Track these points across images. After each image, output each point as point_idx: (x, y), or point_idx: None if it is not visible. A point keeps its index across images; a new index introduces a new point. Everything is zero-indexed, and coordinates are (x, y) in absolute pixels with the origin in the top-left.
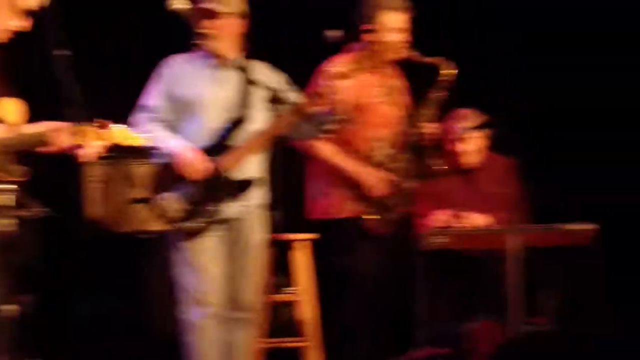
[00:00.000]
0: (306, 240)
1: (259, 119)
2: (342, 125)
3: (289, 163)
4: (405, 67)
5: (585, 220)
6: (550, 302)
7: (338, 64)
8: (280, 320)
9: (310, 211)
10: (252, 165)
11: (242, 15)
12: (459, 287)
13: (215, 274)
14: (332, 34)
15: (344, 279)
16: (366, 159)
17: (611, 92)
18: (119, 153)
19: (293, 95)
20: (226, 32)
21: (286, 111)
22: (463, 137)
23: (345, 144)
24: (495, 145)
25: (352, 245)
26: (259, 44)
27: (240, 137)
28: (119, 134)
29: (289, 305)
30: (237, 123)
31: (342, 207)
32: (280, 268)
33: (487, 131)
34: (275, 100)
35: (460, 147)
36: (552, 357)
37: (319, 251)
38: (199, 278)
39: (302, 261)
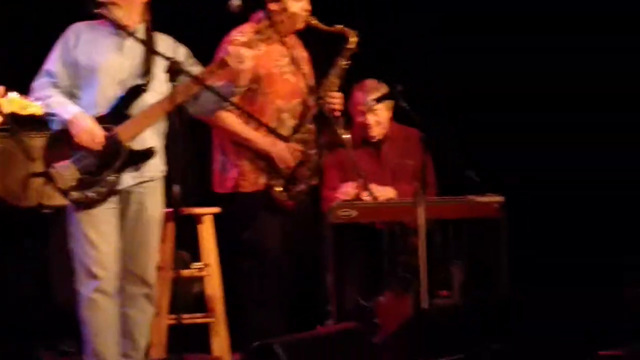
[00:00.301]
0: (211, 214)
1: (159, 90)
2: (245, 96)
3: (192, 134)
4: (309, 36)
5: (491, 193)
6: (455, 275)
7: (242, 34)
8: (186, 296)
9: (216, 184)
10: (150, 136)
11: None
12: (366, 261)
13: (108, 248)
14: (235, 3)
15: (251, 253)
16: (272, 130)
17: (521, 73)
18: (15, 124)
19: (195, 68)
20: (127, 1)
21: (186, 81)
22: (368, 108)
23: (251, 115)
24: (402, 116)
25: (260, 218)
26: (163, 14)
27: (139, 106)
28: (15, 102)
29: (194, 280)
30: (135, 92)
31: (250, 180)
32: (183, 243)
33: (391, 102)
34: (177, 71)
35: (365, 118)
36: (458, 331)
37: (223, 225)
38: (91, 251)
39: (207, 236)
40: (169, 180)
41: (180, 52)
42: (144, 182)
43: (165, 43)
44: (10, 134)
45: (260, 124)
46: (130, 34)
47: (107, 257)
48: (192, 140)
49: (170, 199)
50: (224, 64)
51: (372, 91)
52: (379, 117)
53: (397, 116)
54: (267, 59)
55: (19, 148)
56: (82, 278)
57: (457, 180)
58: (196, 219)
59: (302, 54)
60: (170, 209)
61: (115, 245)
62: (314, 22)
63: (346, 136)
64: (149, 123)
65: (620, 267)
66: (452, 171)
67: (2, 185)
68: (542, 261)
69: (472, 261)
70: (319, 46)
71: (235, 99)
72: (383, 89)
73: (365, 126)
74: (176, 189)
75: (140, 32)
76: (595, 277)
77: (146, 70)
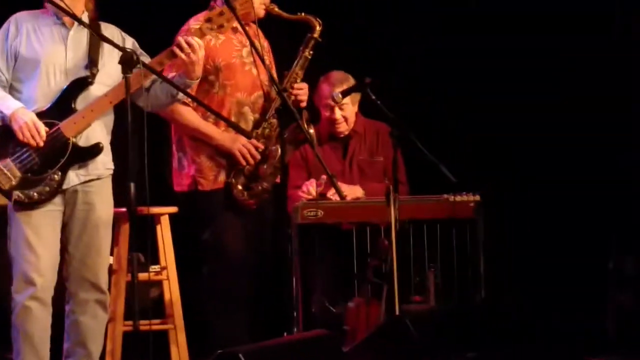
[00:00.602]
0: (168, 214)
1: (106, 82)
2: (202, 88)
3: (149, 129)
4: (269, 25)
5: (466, 191)
6: (429, 279)
7: (198, 22)
8: (142, 301)
9: (174, 182)
10: (96, 131)
11: None
12: (334, 264)
13: (47, 253)
14: None
15: (211, 255)
16: (233, 124)
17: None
18: None
19: (143, 59)
20: None
21: (134, 73)
22: (335, 102)
23: (209, 109)
24: (371, 110)
25: (220, 218)
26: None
27: (84, 100)
28: None
29: (151, 284)
30: (80, 85)
31: (209, 177)
32: (139, 245)
33: (359, 95)
34: (131, 62)
35: (331, 112)
36: (432, 336)
37: (182, 226)
38: (30, 256)
39: (164, 237)
40: (123, 178)
41: (128, 43)
42: (91, 180)
43: (111, 33)
44: None
45: (219, 119)
46: (76, 24)
47: (46, 263)
48: (148, 136)
49: (124, 198)
50: (172, 55)
51: (339, 83)
52: (345, 112)
53: (366, 110)
54: (225, 49)
55: None
56: (18, 284)
57: (430, 178)
58: (153, 219)
59: (263, 44)
60: (125, 209)
61: (55, 251)
62: (276, 10)
63: (311, 131)
64: (95, 117)
65: (604, 270)
66: (424, 168)
67: None
68: (520, 264)
69: (447, 264)
70: (282, 36)
71: (191, 92)
72: (350, 81)
73: (331, 121)
74: (131, 187)
75: (85, 22)
76: (577, 280)
77: (92, 62)
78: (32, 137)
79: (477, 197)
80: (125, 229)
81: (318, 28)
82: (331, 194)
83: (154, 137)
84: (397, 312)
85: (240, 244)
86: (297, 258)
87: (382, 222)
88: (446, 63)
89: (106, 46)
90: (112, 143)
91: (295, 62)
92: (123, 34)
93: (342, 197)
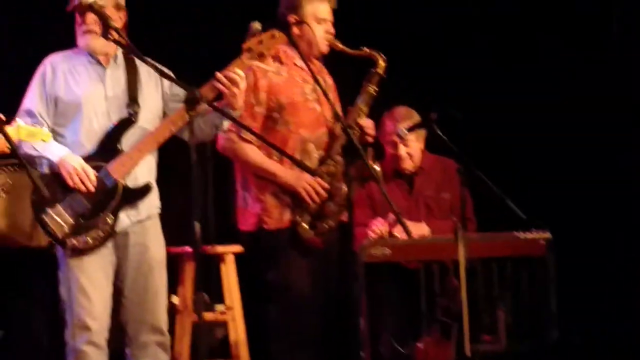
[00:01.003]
0: (234, 253)
1: (148, 120)
2: (266, 126)
3: (214, 168)
4: (333, 61)
5: (537, 228)
6: (500, 318)
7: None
8: (208, 341)
9: (239, 221)
10: (143, 171)
11: (117, 7)
12: (402, 303)
13: (100, 297)
14: (256, 26)
15: (277, 295)
16: (297, 162)
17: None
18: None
19: (184, 92)
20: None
21: (179, 108)
22: (400, 138)
23: (274, 147)
24: (436, 146)
25: (285, 257)
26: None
27: (129, 139)
28: (23, 130)
29: (216, 324)
30: (124, 125)
31: (274, 216)
32: (204, 284)
33: (425, 131)
34: (195, 100)
35: (396, 149)
36: None
37: (247, 265)
38: (84, 301)
39: (229, 276)
40: (188, 216)
41: (166, 83)
42: (141, 221)
43: (147, 68)
44: (17, 167)
45: (283, 156)
46: (111, 62)
47: (100, 307)
48: (212, 174)
49: (189, 237)
50: (214, 89)
51: (403, 120)
52: (411, 148)
53: (432, 146)
54: (289, 86)
55: (25, 183)
56: (74, 329)
57: (499, 215)
58: (218, 258)
59: (328, 79)
60: (190, 248)
61: (107, 294)
62: (339, 45)
63: (377, 168)
64: (143, 157)
65: None
66: (493, 205)
67: (12, 224)
68: (592, 303)
69: (518, 303)
70: (346, 71)
71: (256, 129)
72: (415, 117)
73: (396, 158)
74: (196, 226)
75: (120, 58)
76: None
77: (133, 100)
78: (82, 182)
79: (548, 234)
80: (191, 268)
81: (382, 63)
82: (397, 231)
83: (219, 175)
84: (468, 353)
85: (306, 284)
86: (364, 297)
87: (451, 261)
88: (516, 101)
89: (144, 81)
90: (178, 181)
91: (359, 97)
92: (160, 66)
93: (409, 234)
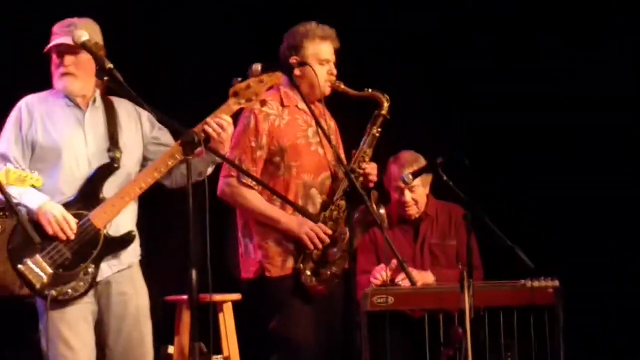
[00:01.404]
0: (232, 301)
1: (129, 164)
2: (267, 170)
3: (211, 214)
4: (334, 103)
5: (544, 276)
6: None
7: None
8: None
9: (242, 269)
10: (125, 219)
11: (97, 47)
12: (406, 353)
13: (84, 349)
14: (257, 67)
15: (279, 345)
16: (300, 208)
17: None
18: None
19: (162, 133)
20: (85, 72)
21: (163, 154)
22: (405, 184)
23: (275, 192)
24: (442, 191)
25: (288, 306)
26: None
27: (111, 185)
28: (12, 174)
29: None
30: (106, 171)
31: (276, 263)
32: (201, 334)
33: (430, 177)
34: (185, 144)
35: (402, 195)
36: None
37: (247, 314)
38: (67, 352)
39: (228, 325)
40: (185, 264)
41: (144, 117)
42: (122, 270)
43: (126, 108)
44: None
45: (286, 202)
46: (90, 105)
47: (85, 358)
48: (210, 221)
49: (186, 285)
50: (204, 133)
51: (409, 165)
52: (416, 194)
53: (439, 191)
54: (291, 130)
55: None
56: None
57: (506, 263)
58: (215, 307)
59: (330, 123)
60: (186, 296)
61: (91, 344)
62: (342, 87)
63: (382, 211)
64: (126, 205)
65: None
66: (500, 252)
67: (2, 271)
68: (603, 352)
69: (526, 353)
70: (349, 113)
71: (256, 175)
72: (421, 162)
73: (401, 203)
74: (193, 274)
75: (99, 101)
76: None
77: (113, 144)
78: (63, 230)
79: (557, 283)
80: (187, 317)
81: (386, 105)
82: (401, 279)
83: (217, 222)
84: None
85: (309, 333)
86: (367, 346)
87: (456, 310)
88: (516, 101)
89: (124, 124)
90: (176, 228)
91: (363, 140)
92: (137, 108)
93: (413, 283)
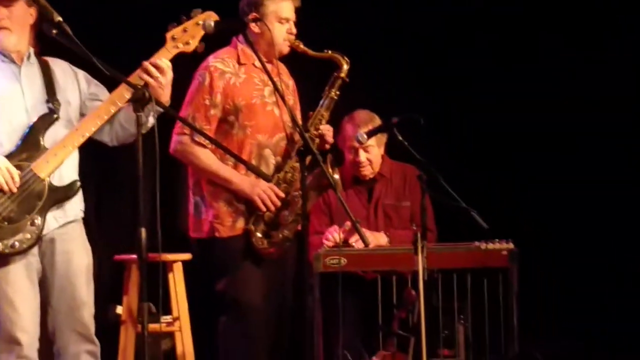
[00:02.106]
0: (182, 261)
1: (68, 116)
2: (220, 129)
3: (163, 172)
4: (294, 63)
5: (498, 238)
6: (459, 332)
7: (220, 60)
8: (153, 353)
9: (191, 228)
10: (68, 169)
11: (28, 3)
12: (358, 315)
13: (29, 309)
14: (209, 23)
15: (228, 306)
16: (253, 168)
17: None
18: None
19: (99, 89)
20: (20, 26)
21: (105, 102)
22: (359, 143)
23: (228, 151)
24: (399, 152)
25: (238, 267)
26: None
27: (52, 136)
28: None
29: (162, 336)
30: (46, 121)
31: (227, 223)
32: (150, 293)
33: (385, 136)
34: (136, 100)
35: (356, 155)
36: None
37: (197, 274)
38: (11, 313)
39: (177, 286)
40: (135, 222)
41: (80, 76)
42: (67, 223)
43: (62, 67)
44: None
45: (238, 162)
46: (26, 60)
47: (28, 319)
48: (160, 179)
49: (135, 244)
50: (140, 80)
51: (364, 124)
52: (370, 154)
53: (393, 151)
54: (246, 88)
55: None
56: (3, 344)
57: (460, 224)
58: (165, 267)
59: (287, 82)
60: (135, 255)
61: (35, 305)
62: (301, 47)
63: (336, 176)
64: (68, 154)
65: None
66: (454, 213)
67: None
68: (557, 315)
69: (478, 316)
70: (307, 74)
71: (210, 133)
72: (376, 121)
73: (355, 164)
74: (142, 232)
75: (33, 58)
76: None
77: (51, 96)
78: (5, 182)
79: (511, 245)
80: (135, 277)
81: (345, 67)
82: (354, 240)
83: (167, 180)
84: None
85: (258, 296)
86: (318, 309)
87: (409, 271)
88: (516, 101)
89: (60, 78)
90: (121, 186)
91: (321, 102)
92: (73, 67)
93: (366, 244)
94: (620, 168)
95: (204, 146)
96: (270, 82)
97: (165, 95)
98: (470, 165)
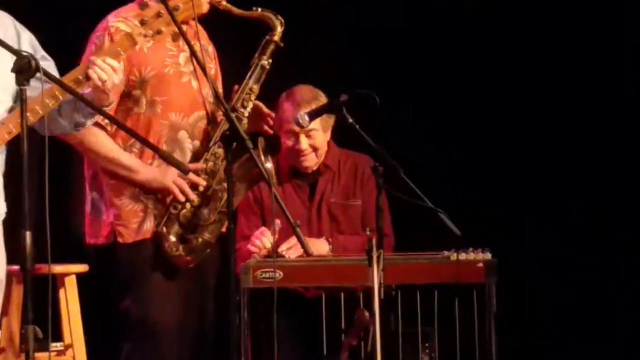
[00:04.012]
0: (76, 273)
1: (3, 98)
2: (123, 106)
3: (48, 165)
4: (214, 24)
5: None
6: (420, 356)
7: (122, 20)
8: None
9: (88, 233)
10: None
11: None
12: (297, 340)
13: None
14: None
15: (133, 329)
16: (164, 155)
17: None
18: None
19: (47, 63)
20: None
21: (39, 92)
22: (300, 127)
23: (133, 134)
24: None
25: (146, 281)
26: None
27: None
28: None
29: None
30: None
31: (131, 226)
32: (36, 314)
33: (332, 119)
34: (30, 71)
35: (295, 141)
36: None
37: (95, 290)
38: None
39: (70, 304)
40: (16, 226)
41: (24, 39)
42: None
43: (2, 23)
44: None
45: (147, 146)
46: None
47: None
48: (50, 172)
49: (17, 252)
50: (86, 78)
51: (305, 103)
52: (314, 140)
53: (342, 138)
54: (156, 55)
55: None
56: None
57: (425, 229)
58: (55, 281)
59: (207, 47)
60: (17, 266)
61: None
62: (223, 3)
63: (269, 165)
64: None
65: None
66: (417, 216)
67: None
68: (542, 341)
69: (447, 341)
70: (231, 38)
71: (111, 111)
72: (321, 100)
73: (295, 152)
74: (27, 237)
75: None
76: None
77: None
78: None
79: (488, 255)
80: (18, 293)
81: (279, 29)
82: (285, 248)
83: (60, 174)
84: None
85: (171, 316)
86: (247, 332)
87: (361, 288)
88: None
89: None
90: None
91: (249, 73)
92: (18, 25)
93: (308, 253)
94: (611, 175)
95: (103, 128)
96: (186, 48)
97: (110, 98)
98: (439, 156)
